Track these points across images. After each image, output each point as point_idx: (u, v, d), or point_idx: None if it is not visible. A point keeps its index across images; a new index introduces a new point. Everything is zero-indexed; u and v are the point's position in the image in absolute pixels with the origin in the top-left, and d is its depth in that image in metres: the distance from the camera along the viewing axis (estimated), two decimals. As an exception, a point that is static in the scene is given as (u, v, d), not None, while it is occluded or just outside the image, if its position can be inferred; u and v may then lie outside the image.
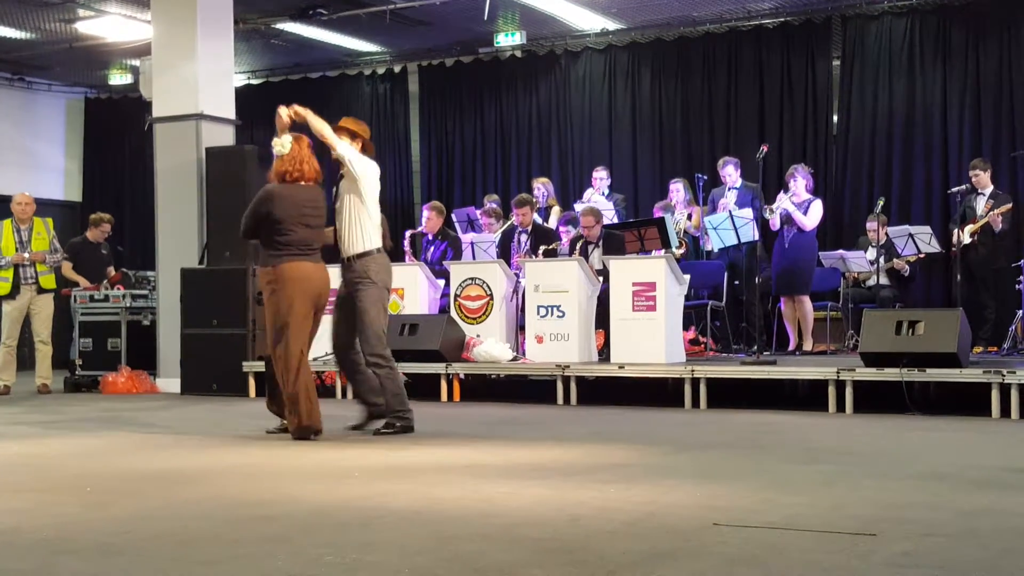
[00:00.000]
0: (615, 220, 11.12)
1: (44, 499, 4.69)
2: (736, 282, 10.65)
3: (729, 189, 10.82)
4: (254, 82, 15.36)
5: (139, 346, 11.23)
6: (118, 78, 15.42)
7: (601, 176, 11.80)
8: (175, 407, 9.29)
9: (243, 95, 12.56)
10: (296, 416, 6.58)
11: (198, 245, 10.91)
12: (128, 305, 11.32)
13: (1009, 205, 10.14)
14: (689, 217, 11.12)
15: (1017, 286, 9.97)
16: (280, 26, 13.00)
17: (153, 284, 11.52)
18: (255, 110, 13.61)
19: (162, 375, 10.99)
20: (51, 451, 6.40)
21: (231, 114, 11.28)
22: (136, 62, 13.60)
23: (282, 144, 6.68)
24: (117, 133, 16.12)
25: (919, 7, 12.06)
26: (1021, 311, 9.80)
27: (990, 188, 10.36)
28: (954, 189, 10.46)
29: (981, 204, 10.31)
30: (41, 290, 10.85)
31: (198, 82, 10.93)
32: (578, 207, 11.16)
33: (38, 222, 10.99)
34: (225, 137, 11.13)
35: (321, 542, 3.71)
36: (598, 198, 11.55)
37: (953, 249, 10.16)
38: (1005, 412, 7.45)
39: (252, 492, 4.78)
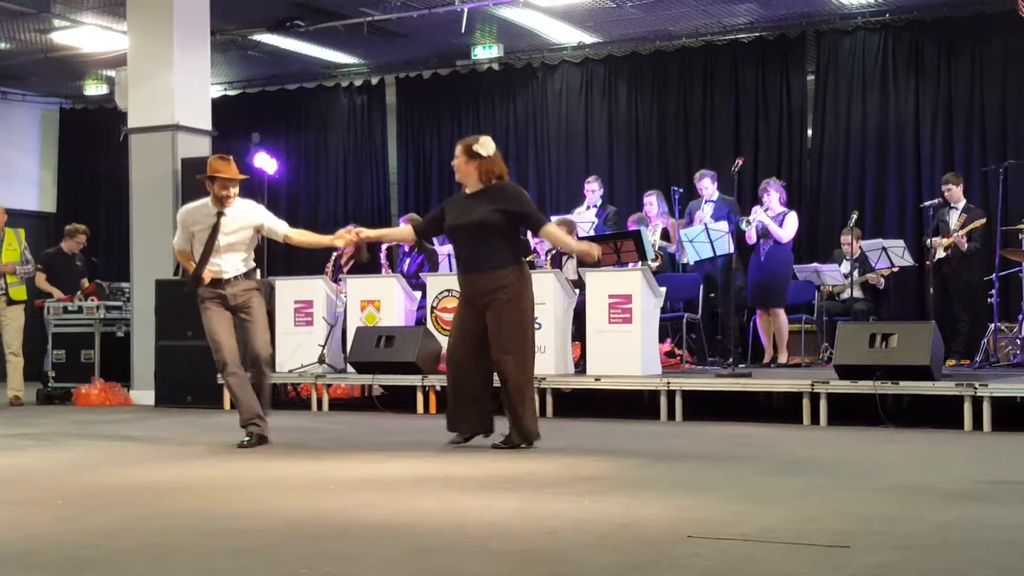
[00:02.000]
0: (591, 233, 11.13)
1: (15, 512, 4.65)
2: (712, 295, 10.70)
3: (706, 202, 10.86)
4: (231, 93, 15.33)
5: (113, 358, 11.16)
6: (93, 88, 15.36)
7: (593, 188, 11.74)
8: (149, 419, 9.23)
9: (220, 106, 12.54)
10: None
11: (173, 256, 10.83)
12: (102, 316, 11.26)
13: (981, 221, 10.22)
14: (666, 234, 11.11)
15: (989, 299, 10.05)
16: (257, 37, 12.99)
17: (128, 295, 11.45)
18: (232, 121, 13.59)
19: (136, 387, 10.92)
20: (22, 464, 6.34)
21: (207, 125, 11.24)
22: (112, 72, 13.55)
23: (484, 145, 6.59)
24: (92, 144, 16.03)
25: (892, 23, 12.18)
26: (993, 324, 9.88)
27: (963, 202, 10.45)
28: (927, 203, 10.55)
29: (954, 218, 10.40)
30: (11, 301, 10.76)
31: (174, 93, 10.89)
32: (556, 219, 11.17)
33: (9, 233, 10.89)
34: (202, 148, 11.09)
35: (295, 555, 3.69)
36: (587, 214, 11.51)
37: (928, 263, 10.24)
38: (977, 425, 7.51)
39: (226, 505, 4.75)
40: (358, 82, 14.90)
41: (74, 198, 16.41)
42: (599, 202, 11.70)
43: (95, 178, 16.29)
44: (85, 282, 11.78)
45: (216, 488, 5.30)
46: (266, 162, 11.49)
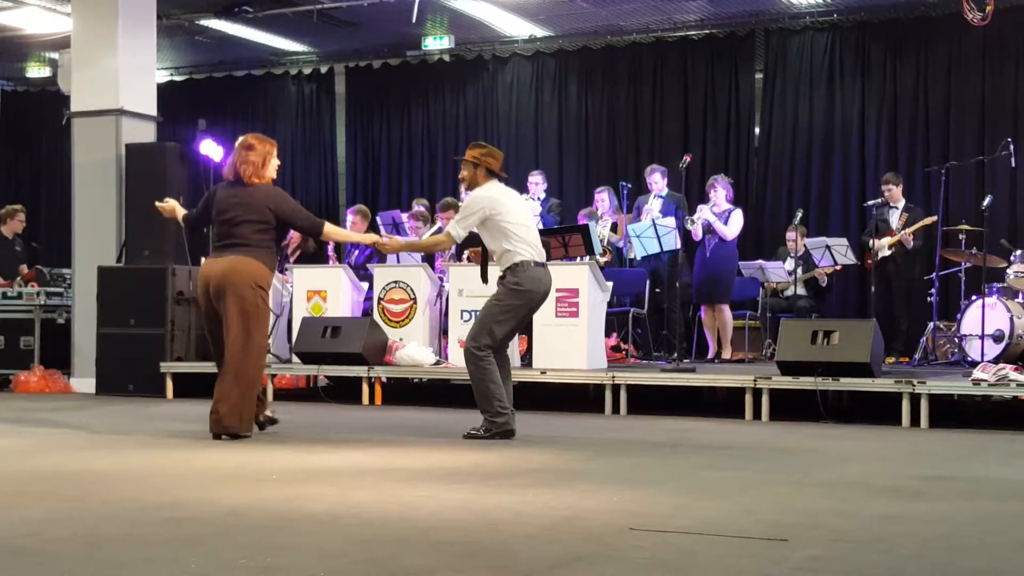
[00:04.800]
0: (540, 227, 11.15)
1: (-51, 500, 4.57)
2: (657, 290, 10.77)
3: (655, 197, 10.91)
4: (177, 79, 15.15)
5: (53, 345, 11.01)
6: (36, 71, 15.12)
7: (536, 181, 11.75)
8: (89, 407, 9.11)
9: (166, 91, 12.39)
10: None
11: (116, 243, 10.72)
12: (42, 303, 11.09)
13: (932, 219, 10.35)
14: (614, 228, 11.17)
15: (929, 298, 10.21)
16: (205, 22, 12.84)
17: (69, 282, 11.29)
18: (178, 107, 13.43)
19: (77, 375, 10.77)
20: (-42, 451, 6.24)
21: (152, 110, 11.10)
22: (55, 55, 13.32)
23: None
24: (34, 127, 15.80)
25: (840, 23, 12.32)
26: (932, 323, 10.04)
27: (902, 202, 10.61)
28: (870, 202, 10.69)
29: (895, 217, 10.56)
30: (-50, 286, 10.59)
31: (119, 77, 10.73)
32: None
33: (-53, 217, 10.72)
34: (146, 134, 10.96)
35: (235, 545, 3.67)
36: (532, 204, 11.53)
37: (869, 262, 10.37)
38: (915, 421, 7.63)
39: (166, 494, 4.71)
40: (307, 70, 14.79)
41: (15, 182, 16.15)
42: (543, 195, 11.73)
43: (37, 162, 16.05)
44: (24, 268, 11.59)
45: (155, 477, 5.25)
46: (212, 149, 11.34)
